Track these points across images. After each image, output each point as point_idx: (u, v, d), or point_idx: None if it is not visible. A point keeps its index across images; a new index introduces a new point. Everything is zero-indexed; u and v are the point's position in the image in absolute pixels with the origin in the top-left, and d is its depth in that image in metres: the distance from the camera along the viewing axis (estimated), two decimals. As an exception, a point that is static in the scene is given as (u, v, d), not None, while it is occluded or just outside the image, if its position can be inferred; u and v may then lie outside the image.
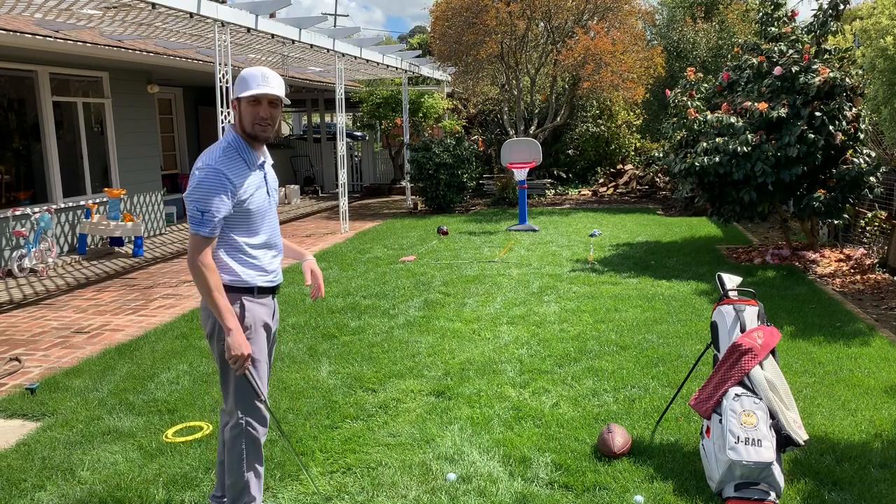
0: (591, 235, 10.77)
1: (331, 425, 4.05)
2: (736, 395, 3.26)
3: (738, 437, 3.13)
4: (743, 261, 8.63)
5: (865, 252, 8.26)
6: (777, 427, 3.22)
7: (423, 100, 17.00)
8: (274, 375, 4.91)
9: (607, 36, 14.15)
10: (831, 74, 7.78)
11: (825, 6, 8.38)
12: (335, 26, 22.15)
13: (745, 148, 7.84)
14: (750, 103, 8.14)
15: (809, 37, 8.52)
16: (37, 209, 9.32)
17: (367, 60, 12.80)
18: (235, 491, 2.93)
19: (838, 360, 4.97)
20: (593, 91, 14.48)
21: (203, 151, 2.78)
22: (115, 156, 11.22)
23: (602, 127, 17.71)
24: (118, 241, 10.44)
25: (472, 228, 11.96)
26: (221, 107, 8.12)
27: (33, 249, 8.85)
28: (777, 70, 8.07)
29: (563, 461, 3.56)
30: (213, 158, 2.70)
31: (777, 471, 3.12)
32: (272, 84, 2.74)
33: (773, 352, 3.44)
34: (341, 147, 12.00)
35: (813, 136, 7.66)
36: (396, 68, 14.52)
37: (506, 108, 16.47)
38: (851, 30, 8.36)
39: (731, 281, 3.70)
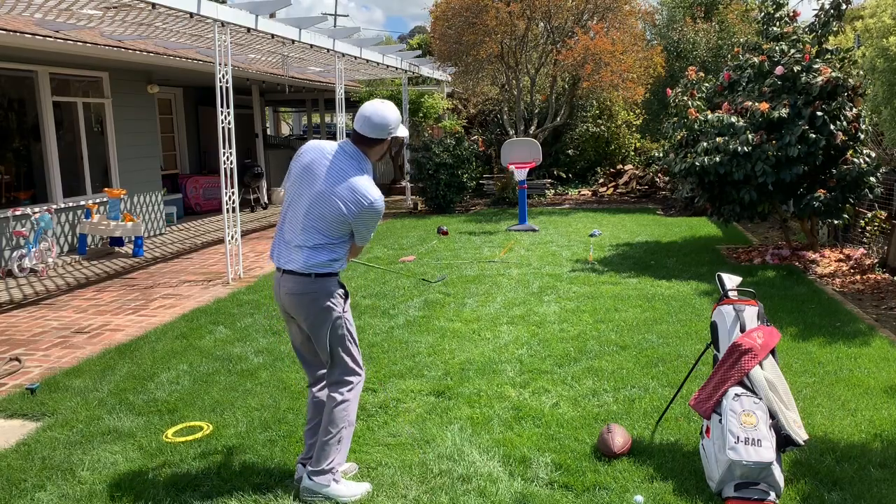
0: (591, 235, 10.77)
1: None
2: (736, 395, 3.26)
3: (738, 437, 3.13)
4: (743, 261, 8.63)
5: (865, 252, 8.26)
6: (777, 427, 3.22)
7: (423, 100, 16.99)
8: (274, 375, 4.92)
9: (607, 36, 14.14)
10: (834, 74, 7.78)
11: (827, 6, 8.36)
12: (335, 26, 22.16)
13: (745, 148, 7.84)
14: (751, 103, 8.14)
15: (811, 37, 8.50)
16: (37, 209, 9.32)
17: (367, 60, 12.80)
18: (331, 446, 3.25)
19: (838, 360, 4.97)
20: (593, 91, 14.47)
21: (361, 180, 3.18)
22: (115, 156, 11.22)
23: (602, 127, 17.69)
24: (118, 241, 10.44)
25: (472, 228, 11.96)
26: (221, 107, 8.11)
27: (33, 249, 8.86)
28: (779, 70, 8.06)
29: (563, 461, 3.56)
30: (378, 191, 3.23)
31: (777, 471, 3.12)
32: None
33: (772, 352, 3.44)
34: (341, 147, 11.97)
35: (814, 135, 7.65)
36: (396, 68, 14.52)
37: (506, 108, 16.46)
38: (853, 30, 8.35)
39: (731, 281, 3.70)
